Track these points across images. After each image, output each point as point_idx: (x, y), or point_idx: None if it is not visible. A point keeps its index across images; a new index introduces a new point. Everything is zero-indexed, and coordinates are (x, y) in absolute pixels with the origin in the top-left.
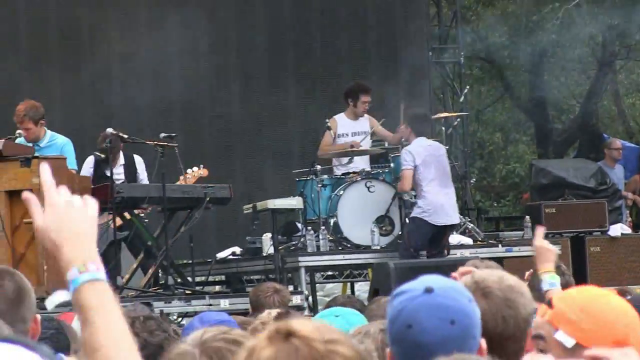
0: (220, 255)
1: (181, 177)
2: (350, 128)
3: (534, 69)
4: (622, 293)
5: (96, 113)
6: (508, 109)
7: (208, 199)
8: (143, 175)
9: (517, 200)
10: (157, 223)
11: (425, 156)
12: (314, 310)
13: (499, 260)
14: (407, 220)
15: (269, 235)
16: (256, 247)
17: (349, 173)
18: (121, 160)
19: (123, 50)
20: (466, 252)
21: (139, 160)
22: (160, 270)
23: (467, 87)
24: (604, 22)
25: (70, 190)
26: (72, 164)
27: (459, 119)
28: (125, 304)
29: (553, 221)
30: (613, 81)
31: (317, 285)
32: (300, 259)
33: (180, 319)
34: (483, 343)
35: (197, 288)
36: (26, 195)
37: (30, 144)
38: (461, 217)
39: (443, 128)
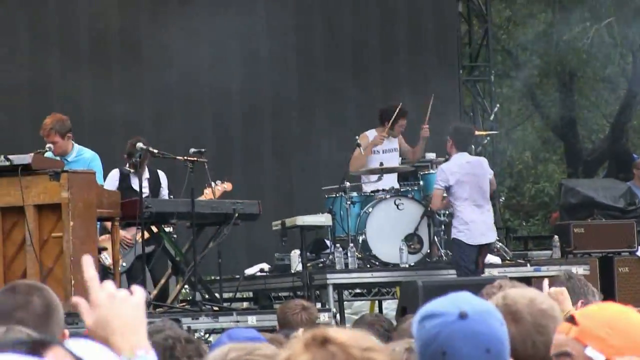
0: (249, 271)
1: (205, 191)
2: (382, 145)
3: (564, 88)
4: None
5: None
6: (538, 128)
7: (237, 215)
8: (165, 191)
9: (546, 220)
10: (186, 239)
11: (460, 175)
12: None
13: (527, 280)
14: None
15: (298, 252)
16: (284, 263)
17: (378, 190)
18: (146, 174)
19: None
20: (494, 271)
21: (162, 175)
22: (188, 286)
23: (497, 105)
24: (635, 41)
25: (99, 204)
26: (99, 179)
27: (488, 138)
28: (153, 319)
29: (582, 241)
30: None
31: (345, 302)
32: (328, 276)
33: (207, 336)
34: None
35: (225, 304)
36: (75, 300)
37: (59, 158)
38: None
39: (473, 146)
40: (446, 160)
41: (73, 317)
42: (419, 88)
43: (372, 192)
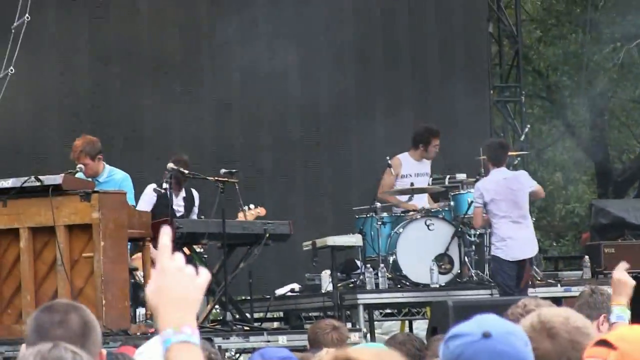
0: (279, 291)
1: (240, 214)
2: (414, 169)
3: (595, 108)
4: None
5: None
6: (568, 149)
7: (268, 235)
8: (196, 211)
9: (576, 240)
10: (217, 259)
11: (495, 193)
12: None
13: (557, 300)
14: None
15: (328, 272)
16: (315, 284)
17: (408, 211)
18: (182, 193)
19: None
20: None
21: (196, 195)
22: (219, 306)
23: (528, 126)
24: None
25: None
26: (130, 199)
27: (519, 158)
28: None
29: (612, 261)
30: None
31: (375, 322)
32: (359, 296)
33: (238, 355)
34: None
35: (256, 324)
36: (153, 255)
37: (89, 179)
38: None
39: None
40: (479, 178)
41: (105, 337)
42: (449, 109)
43: (402, 212)
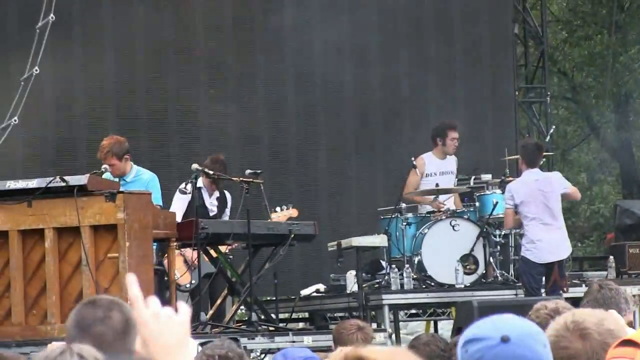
0: (304, 292)
1: (273, 215)
2: (438, 168)
3: (620, 109)
4: None
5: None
6: (594, 150)
7: (293, 235)
8: (228, 212)
9: (601, 241)
10: (242, 259)
11: (526, 194)
12: None
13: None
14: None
15: (353, 272)
16: (340, 284)
17: (433, 211)
18: (216, 194)
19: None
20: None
21: (229, 196)
22: (244, 307)
23: (553, 127)
24: None
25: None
26: (157, 199)
27: (544, 159)
28: (211, 339)
29: (637, 261)
30: None
31: (400, 323)
32: (384, 296)
33: (263, 356)
34: None
35: (281, 325)
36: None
37: (117, 179)
38: None
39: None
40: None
41: None
42: (475, 110)
43: (427, 213)
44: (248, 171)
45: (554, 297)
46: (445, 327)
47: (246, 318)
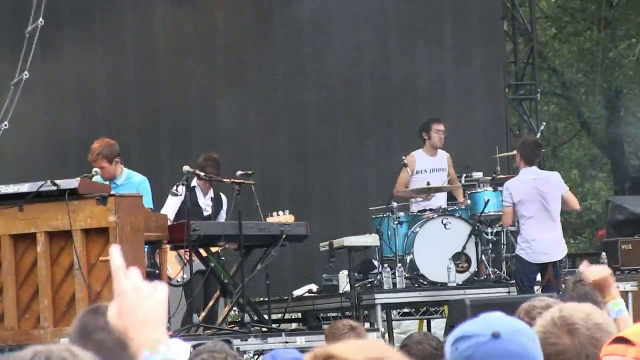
0: (297, 292)
1: (268, 219)
2: (429, 164)
3: (610, 105)
4: None
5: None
6: (584, 146)
7: (284, 236)
8: (224, 215)
9: (593, 237)
10: (234, 260)
11: (524, 193)
12: None
13: None
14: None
15: (345, 272)
16: (332, 284)
17: (425, 210)
18: (211, 193)
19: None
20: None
21: (224, 198)
22: (236, 308)
23: (544, 123)
24: None
25: (147, 228)
26: (148, 202)
27: None
28: (203, 341)
29: (629, 257)
30: None
31: (393, 322)
32: (376, 296)
33: (256, 357)
34: None
35: (274, 325)
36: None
37: (107, 182)
38: None
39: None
40: (495, 176)
41: None
42: (465, 107)
43: (419, 211)
44: (239, 172)
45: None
46: (438, 326)
47: (239, 319)
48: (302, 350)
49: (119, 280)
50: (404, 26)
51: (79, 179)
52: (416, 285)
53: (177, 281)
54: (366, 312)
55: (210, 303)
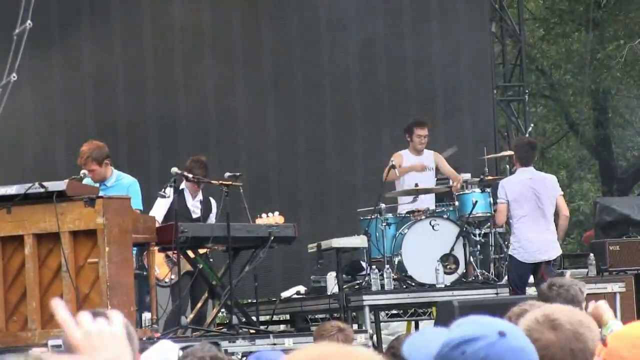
0: (285, 294)
1: (258, 220)
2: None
3: (599, 106)
4: None
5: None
6: (572, 147)
7: (272, 238)
8: (214, 217)
9: (581, 238)
10: (222, 262)
11: (518, 192)
12: (378, 348)
13: None
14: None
15: (334, 274)
16: (321, 286)
17: (413, 211)
18: (200, 196)
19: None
20: (530, 290)
21: (214, 202)
22: (224, 310)
23: (532, 125)
24: None
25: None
26: (137, 204)
27: None
28: (191, 343)
29: (617, 259)
30: None
31: (381, 324)
32: (364, 297)
33: (244, 359)
34: None
35: (262, 327)
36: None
37: (97, 184)
38: None
39: (508, 166)
40: (483, 177)
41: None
42: (453, 109)
43: (407, 213)
44: (227, 174)
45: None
46: (426, 327)
47: (227, 321)
48: (290, 352)
49: (71, 332)
50: (390, 26)
51: (67, 181)
52: (404, 286)
53: (166, 282)
54: (354, 313)
55: (199, 305)
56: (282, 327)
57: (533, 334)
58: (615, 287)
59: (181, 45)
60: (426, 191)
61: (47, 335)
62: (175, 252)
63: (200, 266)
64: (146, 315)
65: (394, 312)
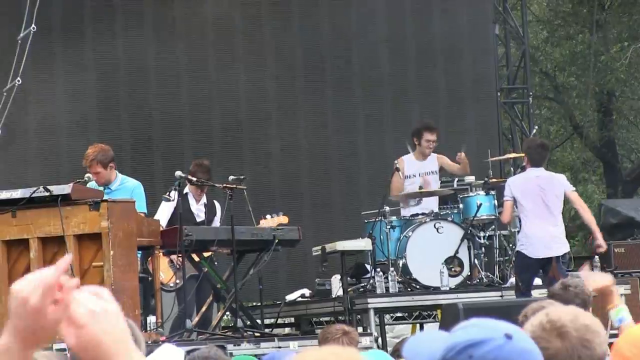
0: (290, 297)
1: (261, 222)
2: (418, 169)
3: (603, 108)
4: None
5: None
6: (577, 149)
7: (277, 241)
8: (217, 222)
9: (586, 240)
10: (226, 265)
11: (524, 189)
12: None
13: None
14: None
15: (338, 277)
16: (325, 289)
17: (417, 214)
18: (204, 200)
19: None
20: (535, 293)
21: (218, 206)
22: (229, 313)
23: (536, 127)
24: None
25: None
26: (141, 207)
27: None
28: (197, 346)
29: (622, 261)
30: None
31: (386, 326)
32: (369, 300)
33: None
34: None
35: (266, 330)
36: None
37: (101, 188)
38: None
39: (512, 168)
40: (487, 180)
41: None
42: (457, 112)
43: (411, 216)
44: (231, 177)
45: (542, 297)
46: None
47: (232, 324)
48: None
49: (73, 309)
50: (393, 30)
51: (71, 184)
52: (409, 289)
53: (170, 286)
54: (359, 316)
55: (203, 308)
56: (287, 330)
57: (540, 343)
58: (621, 290)
59: (184, 50)
60: (430, 194)
61: (53, 339)
62: (179, 255)
63: (205, 269)
64: (151, 319)
65: (399, 314)
